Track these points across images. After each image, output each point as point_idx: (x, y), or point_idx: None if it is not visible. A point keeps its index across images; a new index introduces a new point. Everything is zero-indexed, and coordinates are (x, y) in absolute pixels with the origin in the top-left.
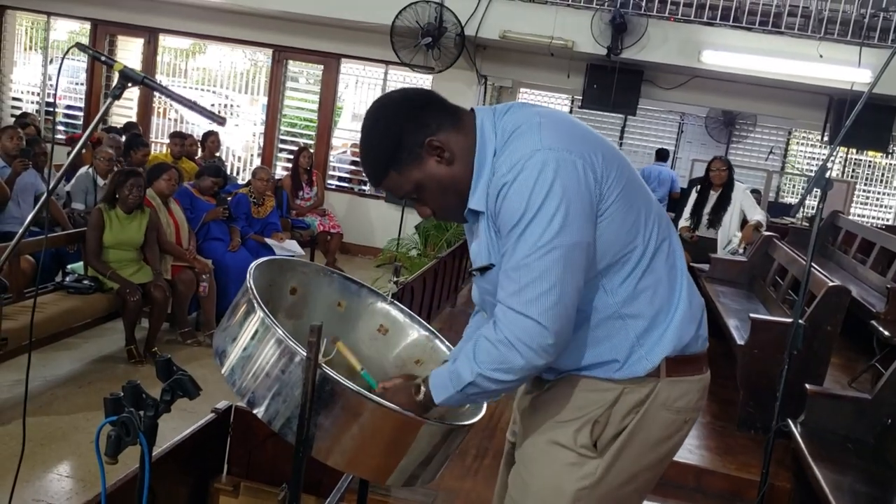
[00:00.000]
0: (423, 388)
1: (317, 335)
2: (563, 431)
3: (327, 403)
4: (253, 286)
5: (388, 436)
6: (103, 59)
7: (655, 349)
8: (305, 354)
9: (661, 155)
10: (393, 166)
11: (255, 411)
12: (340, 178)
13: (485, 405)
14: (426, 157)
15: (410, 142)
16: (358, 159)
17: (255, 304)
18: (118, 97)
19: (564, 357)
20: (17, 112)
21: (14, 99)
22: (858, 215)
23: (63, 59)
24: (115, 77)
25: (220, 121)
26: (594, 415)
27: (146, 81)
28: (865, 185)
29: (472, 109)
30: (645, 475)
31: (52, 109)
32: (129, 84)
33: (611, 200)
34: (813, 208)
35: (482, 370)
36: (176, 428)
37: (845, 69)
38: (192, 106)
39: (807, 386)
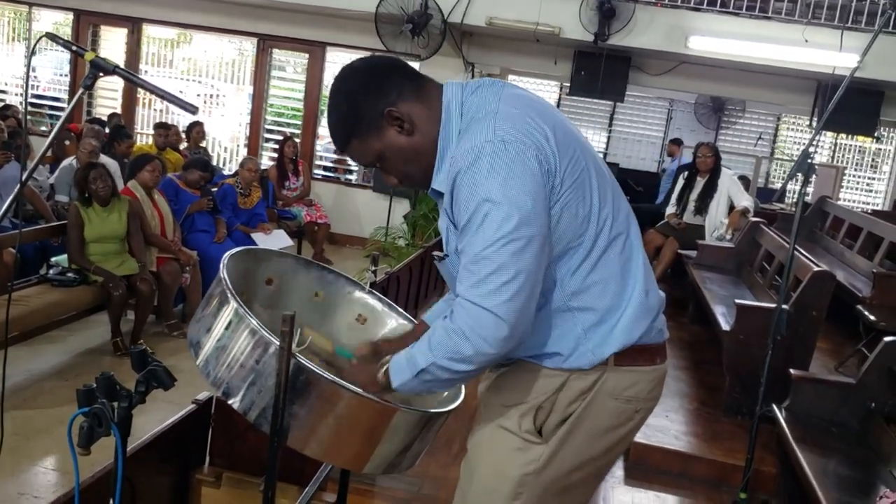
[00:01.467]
0: (384, 368)
1: (289, 324)
2: (509, 416)
3: (302, 393)
4: (226, 276)
5: (364, 424)
6: (74, 48)
7: (603, 346)
8: (279, 344)
9: (678, 143)
10: (354, 135)
11: (230, 402)
12: (327, 168)
13: (463, 391)
14: (386, 126)
15: (370, 112)
16: None
17: (229, 295)
18: (90, 87)
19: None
20: (0, 104)
21: None
22: (848, 200)
23: (33, 49)
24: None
25: (192, 109)
26: (538, 400)
27: (118, 70)
28: (855, 169)
29: (441, 84)
30: (593, 463)
31: (30, 101)
32: (101, 74)
33: (563, 189)
34: (804, 193)
35: (436, 359)
36: (161, 419)
37: (831, 54)
38: (163, 94)
39: (791, 371)
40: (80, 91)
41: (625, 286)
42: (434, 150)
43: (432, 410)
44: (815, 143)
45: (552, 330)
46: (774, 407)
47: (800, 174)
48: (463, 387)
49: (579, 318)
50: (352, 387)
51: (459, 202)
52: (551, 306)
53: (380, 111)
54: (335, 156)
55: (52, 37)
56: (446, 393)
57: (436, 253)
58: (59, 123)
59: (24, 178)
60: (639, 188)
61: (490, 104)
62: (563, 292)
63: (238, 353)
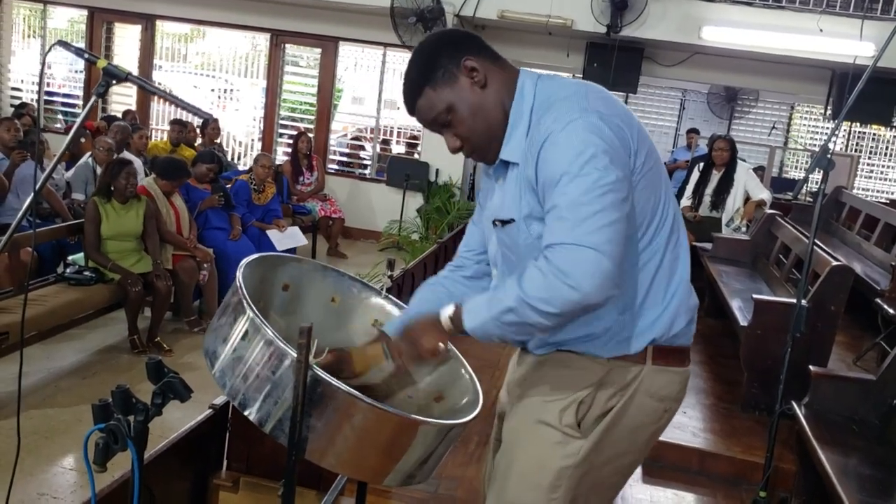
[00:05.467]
0: (452, 311)
1: (306, 337)
2: (550, 410)
3: (318, 405)
4: (242, 285)
5: (382, 436)
6: (86, 56)
7: (644, 334)
8: (295, 356)
9: (696, 133)
10: (427, 83)
11: (246, 413)
12: (341, 163)
13: (481, 398)
14: (460, 77)
15: (447, 62)
16: (357, 143)
17: (245, 304)
18: (102, 95)
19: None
20: (17, 102)
21: (13, 89)
22: (863, 189)
23: (45, 57)
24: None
25: (206, 116)
26: (580, 395)
27: (130, 78)
28: (869, 158)
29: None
30: (625, 458)
31: (44, 100)
32: (114, 81)
33: (639, 176)
34: (816, 182)
35: (527, 297)
36: (181, 418)
37: (847, 42)
38: (177, 101)
39: (810, 368)
40: (93, 99)
41: (670, 281)
42: (503, 117)
43: (452, 422)
44: (833, 138)
45: (596, 317)
46: (794, 404)
47: (819, 169)
48: (481, 393)
49: (620, 302)
50: (368, 399)
51: (552, 157)
52: None
53: (456, 61)
54: (349, 150)
55: (65, 44)
56: (465, 400)
57: (497, 219)
58: (72, 131)
59: (40, 181)
60: None
61: (578, 87)
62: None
63: (254, 363)
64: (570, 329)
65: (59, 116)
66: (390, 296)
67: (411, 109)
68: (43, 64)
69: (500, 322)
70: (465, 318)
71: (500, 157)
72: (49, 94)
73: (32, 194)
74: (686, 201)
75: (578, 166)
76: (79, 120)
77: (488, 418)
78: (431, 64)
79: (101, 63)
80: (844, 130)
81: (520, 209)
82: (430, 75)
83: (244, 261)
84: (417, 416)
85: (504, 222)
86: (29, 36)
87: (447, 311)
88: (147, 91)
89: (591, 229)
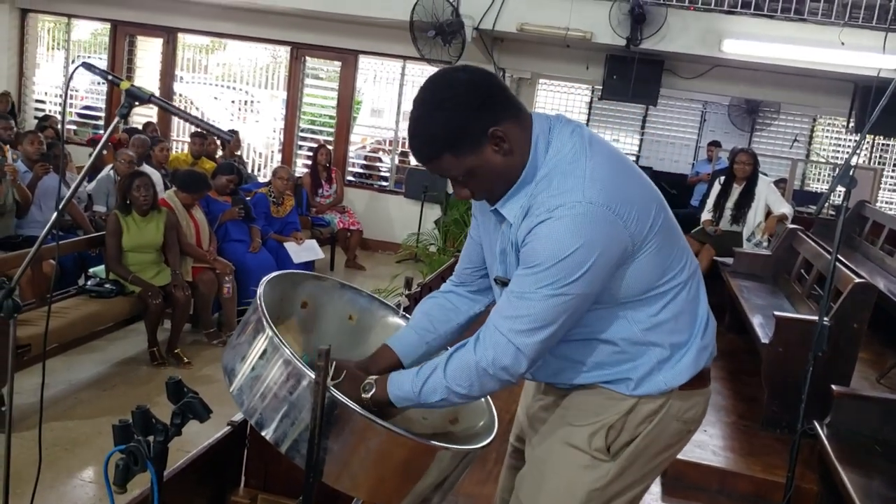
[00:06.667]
0: (372, 390)
1: (325, 359)
2: (579, 434)
3: (335, 427)
4: (263, 303)
5: (398, 461)
6: (110, 78)
7: (674, 378)
8: (313, 378)
9: (716, 145)
10: (450, 150)
11: (262, 433)
12: (359, 174)
13: (496, 421)
14: (486, 145)
15: (474, 128)
16: (376, 155)
17: (264, 322)
18: (126, 116)
19: (583, 373)
20: (40, 114)
21: (37, 101)
22: (886, 202)
23: (70, 78)
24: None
25: (227, 137)
26: (610, 420)
27: (153, 100)
28: (893, 170)
29: (528, 111)
30: (647, 479)
31: (68, 115)
32: (137, 103)
33: (644, 251)
34: (839, 195)
35: (452, 387)
36: (198, 432)
37: (870, 55)
38: (199, 123)
39: (833, 387)
40: (116, 120)
41: (693, 322)
42: (521, 170)
43: (468, 447)
44: (857, 153)
45: (628, 360)
46: (816, 424)
47: (841, 187)
48: (496, 417)
49: (654, 352)
50: (385, 423)
51: (532, 247)
52: (629, 339)
53: (484, 129)
54: (368, 162)
55: (89, 67)
56: (481, 423)
57: (498, 278)
58: (97, 149)
59: (66, 197)
60: (672, 191)
61: (580, 158)
62: (639, 328)
63: (272, 383)
64: (611, 373)
65: (88, 130)
66: (407, 315)
67: (423, 164)
68: (67, 84)
69: (426, 404)
70: (393, 397)
71: (498, 208)
72: (71, 106)
73: (57, 210)
74: (707, 215)
75: (547, 264)
76: (104, 138)
77: (506, 436)
78: (456, 129)
79: (125, 85)
80: (867, 143)
81: (508, 267)
82: (452, 141)
83: (265, 278)
84: (434, 442)
85: (505, 284)
86: (53, 48)
87: (369, 392)
88: (169, 112)
89: (522, 328)
